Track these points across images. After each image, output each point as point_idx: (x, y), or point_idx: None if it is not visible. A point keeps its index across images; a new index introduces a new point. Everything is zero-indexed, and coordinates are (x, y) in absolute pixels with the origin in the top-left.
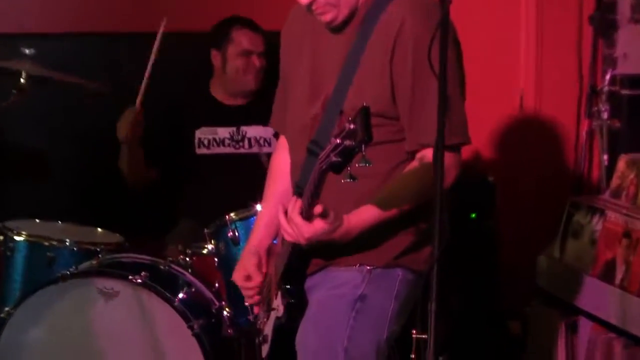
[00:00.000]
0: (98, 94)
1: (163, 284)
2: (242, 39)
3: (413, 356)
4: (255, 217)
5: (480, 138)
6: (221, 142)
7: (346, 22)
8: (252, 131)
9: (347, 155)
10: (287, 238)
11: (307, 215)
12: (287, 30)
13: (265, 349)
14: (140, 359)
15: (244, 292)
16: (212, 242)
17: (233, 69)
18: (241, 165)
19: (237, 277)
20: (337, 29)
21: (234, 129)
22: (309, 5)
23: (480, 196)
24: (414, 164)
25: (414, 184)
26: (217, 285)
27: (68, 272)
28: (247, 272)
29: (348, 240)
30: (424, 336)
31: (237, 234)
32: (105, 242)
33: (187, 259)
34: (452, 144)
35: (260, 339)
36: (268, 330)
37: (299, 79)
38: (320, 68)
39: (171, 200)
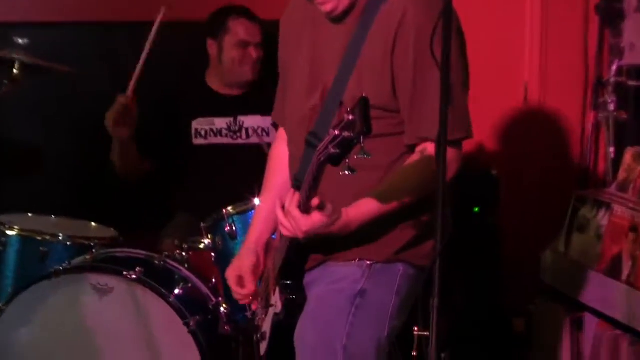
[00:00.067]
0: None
1: (158, 280)
2: (239, 29)
3: (414, 353)
4: (253, 211)
5: (484, 131)
6: (218, 133)
7: (347, 12)
8: (250, 121)
9: (346, 146)
10: (284, 232)
11: (305, 209)
12: (287, 20)
13: (263, 347)
14: (135, 357)
15: (235, 296)
16: (209, 236)
17: (229, 60)
18: (239, 156)
19: (230, 275)
20: (337, 19)
21: (231, 119)
22: None
23: (483, 190)
24: (415, 157)
25: (414, 177)
26: (214, 280)
27: (61, 268)
28: (240, 274)
29: (347, 233)
30: (425, 333)
31: (234, 228)
32: (99, 236)
33: (184, 253)
34: (454, 138)
35: (259, 336)
36: (266, 327)
37: (298, 69)
38: (320, 59)
39: (167, 193)
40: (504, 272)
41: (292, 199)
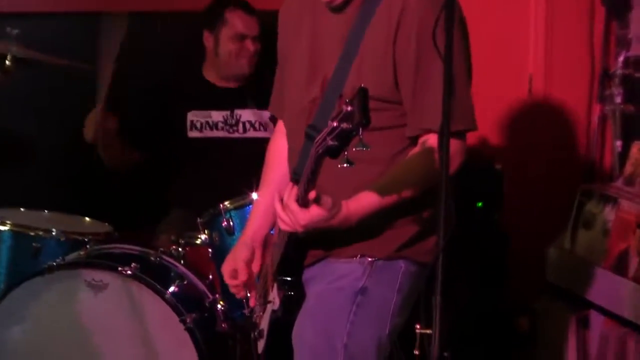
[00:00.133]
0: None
1: (154, 276)
2: (236, 22)
3: (417, 352)
4: (251, 206)
5: (487, 123)
6: (214, 126)
7: (347, 2)
8: (247, 115)
9: (344, 138)
10: (283, 227)
11: (304, 202)
12: (286, 10)
13: (261, 344)
14: (131, 355)
15: (230, 289)
16: (206, 231)
17: (226, 53)
18: (235, 150)
19: (225, 269)
20: (337, 8)
21: (228, 112)
22: None
23: (486, 184)
24: (417, 150)
25: (416, 171)
26: (210, 277)
27: (55, 264)
28: (235, 267)
29: (347, 227)
30: (428, 331)
31: (231, 223)
32: (93, 231)
33: (180, 249)
34: (458, 130)
35: (256, 333)
36: (264, 324)
37: (297, 60)
38: (320, 49)
39: (162, 187)
40: (507, 269)
41: (291, 193)
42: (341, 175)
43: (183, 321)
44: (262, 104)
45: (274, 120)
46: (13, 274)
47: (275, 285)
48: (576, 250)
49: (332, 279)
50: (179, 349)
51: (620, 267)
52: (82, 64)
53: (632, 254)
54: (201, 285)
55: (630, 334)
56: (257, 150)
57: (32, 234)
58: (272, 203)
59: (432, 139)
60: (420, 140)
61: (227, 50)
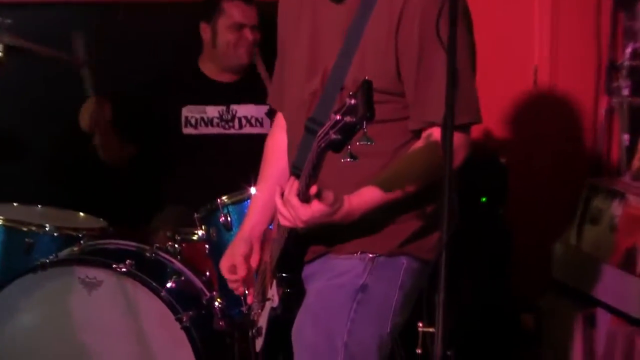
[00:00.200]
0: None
1: (149, 273)
2: (233, 11)
3: (419, 351)
4: (249, 201)
5: (491, 116)
6: (209, 122)
7: None
8: (243, 110)
9: (348, 132)
10: (283, 222)
11: (305, 197)
12: (286, 0)
13: (259, 343)
14: (126, 354)
15: (229, 284)
16: (203, 227)
17: (224, 43)
18: (231, 147)
19: (223, 265)
20: None
21: (224, 107)
22: None
23: (491, 179)
24: (420, 143)
25: (419, 165)
26: (207, 274)
27: (48, 260)
28: (233, 262)
29: (349, 222)
30: (431, 329)
31: (229, 218)
32: (87, 227)
33: (176, 245)
34: (462, 123)
35: (254, 331)
36: (262, 322)
37: (297, 52)
38: (320, 40)
39: (158, 182)
40: (512, 265)
41: (292, 188)
42: (342, 170)
43: (179, 319)
44: (259, 100)
45: (270, 115)
46: (5, 270)
47: (274, 282)
48: (582, 247)
49: (332, 276)
50: (175, 348)
51: (628, 263)
52: (74, 55)
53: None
54: (198, 283)
55: (638, 333)
56: (253, 146)
57: (24, 229)
58: (271, 198)
59: (436, 132)
60: (424, 133)
61: (226, 40)
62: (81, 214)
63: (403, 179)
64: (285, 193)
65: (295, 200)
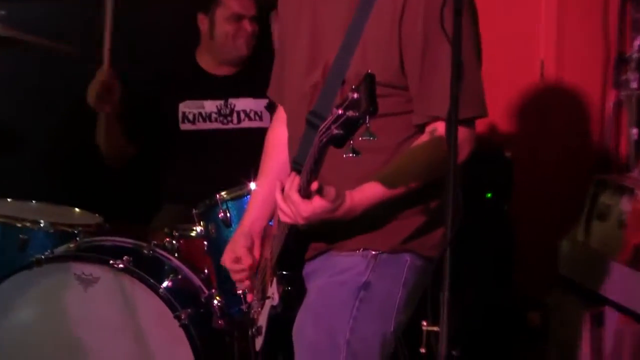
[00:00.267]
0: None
1: (147, 270)
2: (231, 2)
3: (423, 350)
4: (248, 197)
5: (497, 110)
6: (207, 117)
7: None
8: (242, 104)
9: (350, 127)
10: (283, 219)
11: (306, 193)
12: None
13: (259, 342)
14: (123, 352)
15: (233, 276)
16: (201, 223)
17: (222, 34)
18: (230, 142)
19: (226, 258)
20: None
21: (222, 102)
22: None
23: (496, 174)
24: (424, 137)
25: (422, 160)
26: (206, 271)
27: (43, 257)
28: (236, 255)
29: (351, 219)
30: (435, 328)
31: (228, 214)
32: (83, 223)
33: (174, 242)
34: (467, 117)
35: (254, 330)
36: (262, 320)
37: (297, 44)
38: (322, 32)
39: (155, 178)
40: (518, 262)
41: (292, 183)
42: (344, 165)
43: (177, 317)
44: (257, 93)
45: (270, 109)
46: None
47: (274, 279)
48: (590, 243)
49: (333, 273)
50: (173, 346)
51: (636, 261)
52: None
53: None
54: (196, 280)
55: None
56: (252, 141)
57: (19, 225)
58: (271, 193)
59: (440, 127)
60: (428, 128)
61: (224, 31)
62: (77, 209)
63: (406, 174)
64: (286, 189)
65: (296, 196)
